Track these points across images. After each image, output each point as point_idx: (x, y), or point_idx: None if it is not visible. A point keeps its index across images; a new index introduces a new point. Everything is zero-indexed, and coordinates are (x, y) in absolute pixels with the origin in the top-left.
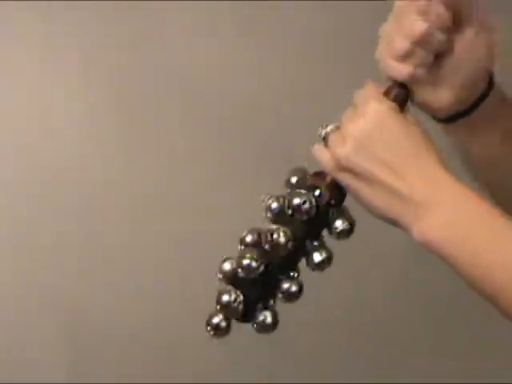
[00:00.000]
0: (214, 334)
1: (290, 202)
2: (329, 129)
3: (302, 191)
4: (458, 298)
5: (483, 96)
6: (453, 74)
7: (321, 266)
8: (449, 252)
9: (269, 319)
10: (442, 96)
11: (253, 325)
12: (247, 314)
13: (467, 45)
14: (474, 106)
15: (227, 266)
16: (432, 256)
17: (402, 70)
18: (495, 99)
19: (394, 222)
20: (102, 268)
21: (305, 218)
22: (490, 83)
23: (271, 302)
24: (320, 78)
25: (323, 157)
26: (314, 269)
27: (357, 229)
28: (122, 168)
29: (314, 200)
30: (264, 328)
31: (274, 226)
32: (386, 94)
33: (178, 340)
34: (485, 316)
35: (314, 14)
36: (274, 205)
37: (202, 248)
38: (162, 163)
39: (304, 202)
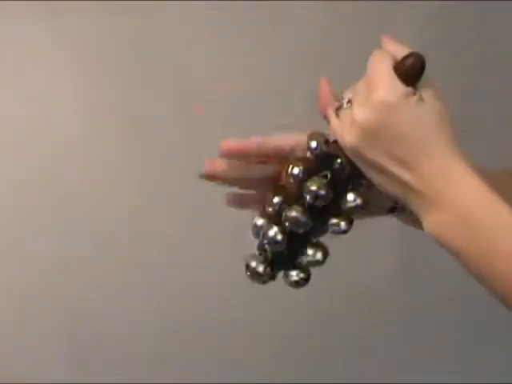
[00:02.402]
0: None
1: (306, 188)
2: (344, 102)
3: (316, 179)
4: (457, 297)
5: None
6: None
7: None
8: (458, 248)
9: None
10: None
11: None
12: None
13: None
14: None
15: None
16: (431, 254)
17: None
18: None
19: (405, 205)
20: (102, 267)
21: (321, 204)
22: None
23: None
24: (320, 77)
25: (338, 131)
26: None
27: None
28: (122, 168)
29: (327, 187)
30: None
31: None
32: (400, 66)
33: (178, 340)
34: (486, 314)
35: (314, 13)
36: (296, 170)
37: (203, 248)
38: (162, 163)
39: (319, 190)
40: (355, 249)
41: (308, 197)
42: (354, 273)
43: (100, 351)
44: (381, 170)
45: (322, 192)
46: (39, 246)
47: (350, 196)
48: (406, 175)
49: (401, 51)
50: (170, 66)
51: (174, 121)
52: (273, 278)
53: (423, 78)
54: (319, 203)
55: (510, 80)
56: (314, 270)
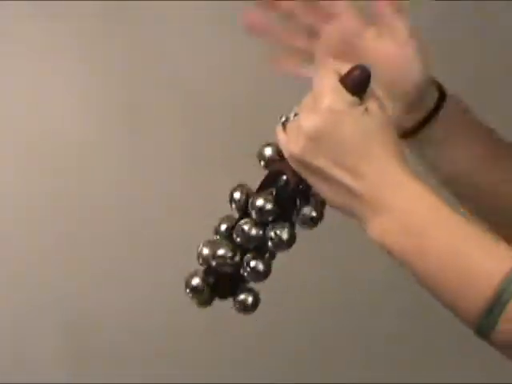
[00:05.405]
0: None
1: (252, 204)
2: (290, 115)
3: (262, 195)
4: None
5: (437, 107)
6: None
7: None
8: (401, 252)
9: (249, 300)
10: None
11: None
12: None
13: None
14: (429, 117)
15: (205, 251)
16: None
17: None
18: (454, 112)
19: (350, 216)
20: (102, 268)
21: (270, 218)
22: (442, 95)
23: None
24: None
25: (283, 144)
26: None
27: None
28: (122, 168)
29: (274, 200)
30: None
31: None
32: (346, 78)
33: (178, 340)
34: None
35: None
36: (237, 195)
37: None
38: (162, 163)
39: (265, 204)
40: (354, 247)
41: (253, 212)
42: (353, 271)
43: (100, 351)
44: (326, 177)
45: (268, 206)
46: (39, 247)
47: (306, 209)
48: (350, 182)
49: (345, 66)
50: (170, 66)
51: (173, 121)
52: (210, 301)
53: (368, 90)
54: (265, 218)
55: (510, 80)
56: (315, 270)
